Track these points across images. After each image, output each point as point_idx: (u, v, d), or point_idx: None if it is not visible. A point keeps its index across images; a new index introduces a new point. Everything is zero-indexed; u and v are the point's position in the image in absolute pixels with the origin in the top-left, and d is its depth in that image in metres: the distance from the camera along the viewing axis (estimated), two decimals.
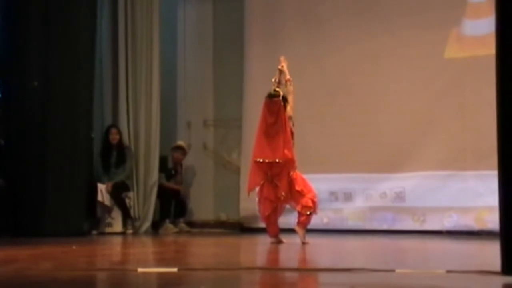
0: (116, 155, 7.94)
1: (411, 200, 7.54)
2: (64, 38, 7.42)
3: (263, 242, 6.24)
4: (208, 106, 8.82)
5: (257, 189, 6.03)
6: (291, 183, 5.91)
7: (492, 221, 6.69)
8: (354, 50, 7.91)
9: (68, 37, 7.42)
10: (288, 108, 5.98)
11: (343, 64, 7.94)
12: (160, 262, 4.98)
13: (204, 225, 8.58)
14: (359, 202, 7.79)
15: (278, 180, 5.89)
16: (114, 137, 7.93)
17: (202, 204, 8.72)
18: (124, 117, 8.05)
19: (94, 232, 7.64)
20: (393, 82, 7.73)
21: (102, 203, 7.70)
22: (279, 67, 6.11)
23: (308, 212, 5.90)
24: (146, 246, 6.60)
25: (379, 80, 7.79)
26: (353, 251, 6.05)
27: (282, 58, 6.15)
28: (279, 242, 6.04)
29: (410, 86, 7.66)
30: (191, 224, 8.51)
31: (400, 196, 7.59)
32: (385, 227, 7.60)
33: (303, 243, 5.89)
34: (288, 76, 6.07)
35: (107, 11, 8.20)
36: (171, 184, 8.40)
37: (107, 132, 7.99)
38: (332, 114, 7.95)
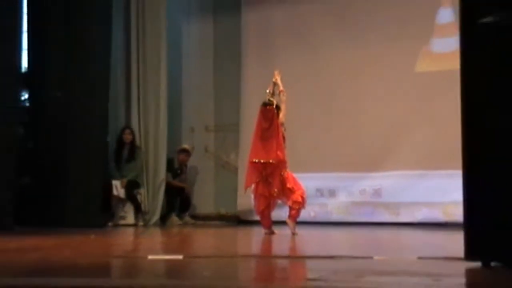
0: (127, 152, 7.85)
1: (387, 196, 7.54)
2: (82, 52, 7.35)
3: (258, 233, 6.22)
4: (209, 113, 8.76)
5: (253, 186, 6.00)
6: (283, 181, 5.89)
7: (457, 214, 6.45)
8: (338, 61, 7.85)
9: (85, 51, 7.35)
10: (281, 115, 5.99)
11: (329, 74, 7.89)
12: (167, 250, 4.95)
13: (205, 218, 8.51)
14: (342, 198, 7.79)
15: (272, 179, 5.87)
16: (127, 137, 7.87)
17: (204, 199, 8.66)
18: (136, 122, 8.01)
19: (110, 224, 7.55)
20: (372, 91, 7.70)
21: (117, 197, 7.64)
22: (273, 79, 6.09)
23: (298, 207, 5.90)
24: (155, 237, 6.52)
25: (360, 90, 7.75)
26: (337, 241, 6.03)
27: (276, 72, 6.13)
28: (272, 233, 6.02)
29: (387, 95, 7.63)
30: (194, 217, 8.43)
31: (377, 193, 7.60)
32: (365, 219, 7.57)
33: (293, 234, 5.88)
34: (281, 88, 6.05)
35: (120, 28, 8.14)
36: (176, 182, 8.33)
37: (122, 132, 7.92)
38: (319, 120, 7.92)
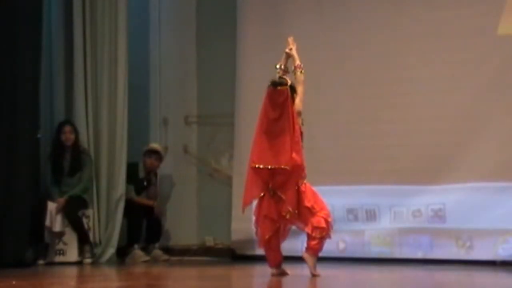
0: (70, 159, 7.89)
1: (453, 220, 7.47)
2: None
3: (261, 273, 6.23)
4: (191, 99, 8.83)
5: (255, 204, 5.96)
6: (299, 197, 5.84)
7: None
8: (378, 28, 7.92)
9: (5, 17, 7.32)
10: (297, 100, 5.97)
11: (364, 46, 7.96)
12: None
13: (185, 251, 8.58)
14: (385, 223, 7.74)
15: (283, 192, 5.80)
16: (68, 137, 7.88)
17: (183, 224, 8.71)
18: (82, 113, 8.04)
19: (41, 261, 7.55)
20: (429, 68, 7.70)
21: (49, 229, 7.63)
22: (287, 50, 6.14)
23: (320, 236, 5.84)
24: (108, 280, 6.55)
25: (411, 65, 7.78)
26: (377, 286, 5.96)
27: (291, 40, 6.19)
28: (282, 273, 5.99)
29: (452, 73, 7.61)
30: (168, 250, 8.50)
31: (439, 215, 7.52)
32: (419, 255, 7.55)
33: (313, 275, 5.86)
34: (298, 62, 6.09)
35: None
36: (142, 199, 8.38)
37: (59, 130, 7.94)
38: (350, 109, 7.98)
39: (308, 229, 5.84)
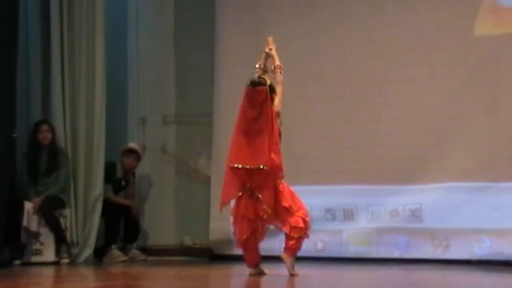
0: (47, 159, 7.84)
1: (430, 219, 7.51)
2: None
3: (239, 273, 6.22)
4: (169, 98, 8.84)
5: (232, 204, 5.98)
6: (277, 197, 5.86)
7: None
8: (356, 28, 7.95)
9: None
10: (276, 101, 5.99)
11: (341, 46, 8.01)
12: None
13: (163, 251, 8.58)
14: (363, 222, 7.78)
15: (261, 193, 5.81)
16: (45, 136, 7.83)
17: (161, 224, 8.72)
18: (59, 112, 8.02)
19: (17, 262, 7.51)
20: (405, 68, 7.76)
21: (26, 229, 7.57)
22: (267, 49, 6.14)
23: (298, 235, 5.86)
24: (86, 280, 6.52)
25: (388, 66, 7.82)
26: (355, 285, 5.98)
27: (270, 40, 6.19)
28: (260, 273, 6.01)
29: (429, 74, 7.67)
30: (146, 250, 8.51)
31: (416, 215, 7.58)
32: (396, 254, 7.61)
33: (292, 275, 5.88)
34: (277, 62, 6.09)
35: None
36: (120, 199, 8.38)
37: (35, 129, 7.89)
38: (327, 109, 8.02)
39: (286, 229, 5.87)
